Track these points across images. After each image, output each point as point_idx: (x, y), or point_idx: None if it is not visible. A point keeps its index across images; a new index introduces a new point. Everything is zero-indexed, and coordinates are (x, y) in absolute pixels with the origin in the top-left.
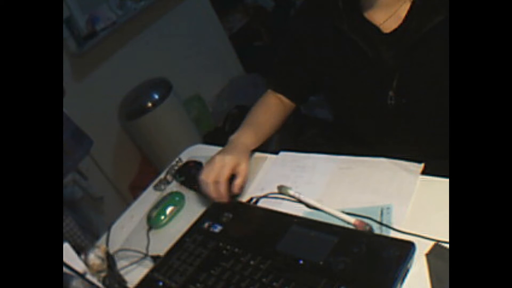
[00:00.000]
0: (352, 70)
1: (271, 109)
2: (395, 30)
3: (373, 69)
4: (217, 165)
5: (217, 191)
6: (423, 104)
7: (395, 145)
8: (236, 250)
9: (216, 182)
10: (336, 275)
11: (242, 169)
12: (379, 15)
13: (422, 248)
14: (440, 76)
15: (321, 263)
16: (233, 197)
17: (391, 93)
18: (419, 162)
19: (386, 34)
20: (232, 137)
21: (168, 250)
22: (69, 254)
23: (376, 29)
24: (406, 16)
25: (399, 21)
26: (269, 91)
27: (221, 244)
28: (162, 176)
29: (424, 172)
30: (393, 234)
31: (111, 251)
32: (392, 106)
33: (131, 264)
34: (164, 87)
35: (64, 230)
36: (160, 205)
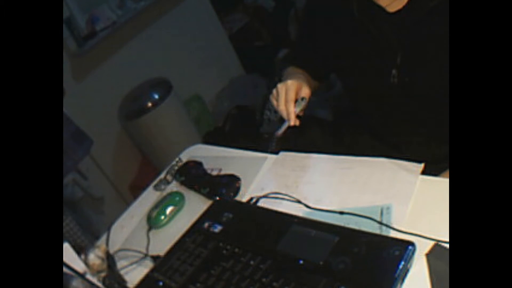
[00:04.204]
0: (357, 49)
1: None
2: (399, 10)
3: (377, 47)
4: (282, 88)
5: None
6: (425, 83)
7: (397, 126)
8: (236, 250)
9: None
10: (336, 275)
11: (305, 92)
12: None
13: (422, 248)
14: (441, 55)
15: (321, 263)
16: (234, 195)
17: (394, 71)
18: (420, 146)
19: (391, 13)
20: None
21: (168, 250)
22: (69, 254)
23: (381, 9)
24: None
25: (404, 2)
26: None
27: (221, 244)
28: (162, 176)
29: (424, 172)
30: (393, 234)
31: (111, 251)
32: (395, 85)
33: (131, 264)
34: (164, 87)
35: (64, 230)
36: (160, 205)
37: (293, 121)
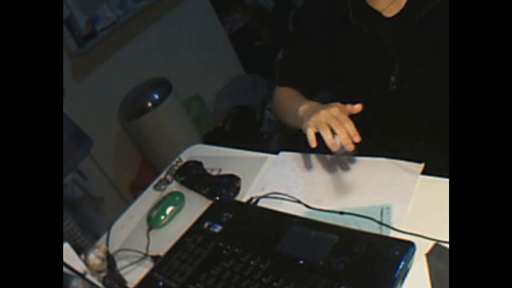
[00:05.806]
0: (355, 57)
1: (294, 93)
2: (397, 14)
3: (375, 54)
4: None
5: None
6: (424, 88)
7: (396, 133)
8: (236, 250)
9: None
10: (336, 275)
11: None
12: (382, 2)
13: (422, 248)
14: (440, 60)
15: (321, 263)
16: (234, 195)
17: (392, 78)
18: (420, 154)
19: (388, 18)
20: (302, 107)
21: (168, 250)
22: (69, 254)
23: (378, 14)
24: (407, 2)
25: (401, 6)
26: (278, 88)
27: (221, 244)
28: (162, 176)
29: (424, 172)
30: (393, 234)
31: (111, 251)
32: (394, 92)
33: (131, 264)
34: (164, 87)
35: (64, 230)
36: (160, 205)
37: (358, 137)
